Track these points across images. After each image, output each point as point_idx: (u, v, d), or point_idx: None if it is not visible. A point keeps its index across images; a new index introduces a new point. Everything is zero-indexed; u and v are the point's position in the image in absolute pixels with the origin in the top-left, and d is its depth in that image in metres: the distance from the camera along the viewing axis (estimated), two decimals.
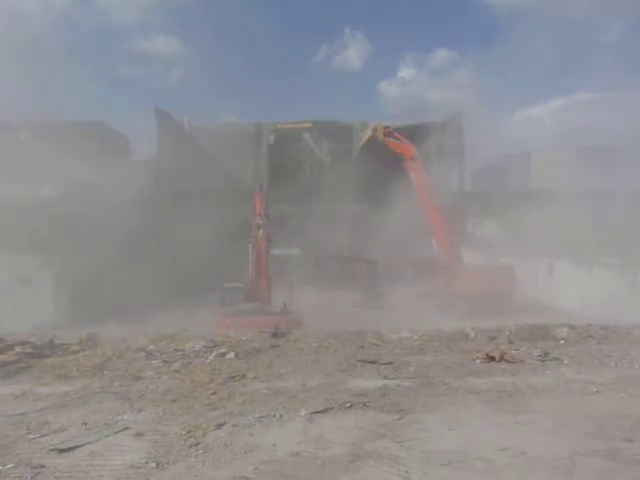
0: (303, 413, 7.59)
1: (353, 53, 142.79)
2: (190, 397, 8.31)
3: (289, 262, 32.85)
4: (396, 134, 28.56)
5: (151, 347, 11.11)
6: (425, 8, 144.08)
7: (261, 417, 7.43)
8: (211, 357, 10.54)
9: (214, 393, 8.44)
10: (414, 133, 32.28)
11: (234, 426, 7.07)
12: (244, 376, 9.30)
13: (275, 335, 11.98)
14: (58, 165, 26.91)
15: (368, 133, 31.95)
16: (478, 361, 10.17)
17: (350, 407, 7.81)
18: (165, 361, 10.22)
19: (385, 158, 30.00)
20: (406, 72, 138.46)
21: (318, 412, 7.61)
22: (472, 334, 12.05)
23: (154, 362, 10.17)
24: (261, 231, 22.06)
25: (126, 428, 6.99)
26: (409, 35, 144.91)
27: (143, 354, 10.64)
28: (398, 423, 7.17)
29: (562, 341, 11.81)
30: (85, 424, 7.18)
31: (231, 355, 10.58)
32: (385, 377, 9.27)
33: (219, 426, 7.04)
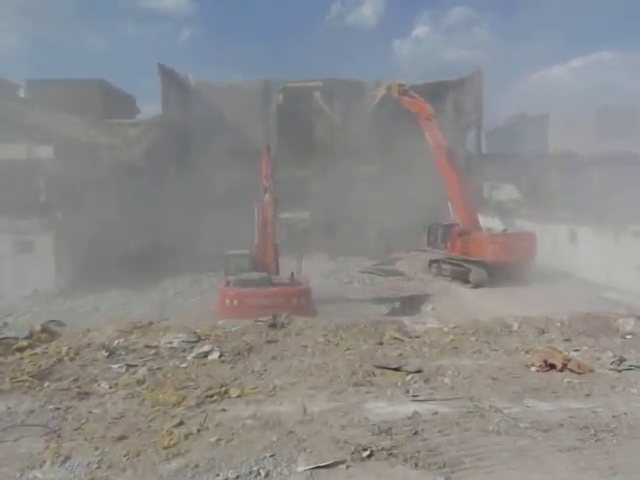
0: (301, 469, 4.83)
1: (367, 10, 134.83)
2: (145, 431, 5.56)
3: (298, 226, 30.01)
4: (411, 92, 25.22)
5: (117, 342, 8.33)
6: None
7: (238, 477, 4.68)
8: (189, 358, 7.77)
9: (180, 424, 5.69)
10: (430, 92, 28.88)
11: None
12: (226, 392, 6.52)
13: (273, 326, 9.18)
14: (56, 124, 23.92)
15: (382, 92, 28.44)
16: (533, 369, 7.32)
17: (369, 456, 5.03)
18: (129, 365, 7.44)
19: (400, 118, 26.70)
20: (421, 30, 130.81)
21: (322, 467, 4.85)
22: (515, 325, 9.16)
23: (115, 366, 7.39)
24: (267, 194, 19.06)
25: None
26: None
27: (104, 353, 7.88)
28: None
29: (629, 336, 8.90)
30: None
31: (215, 355, 7.80)
32: (415, 397, 6.43)
33: None
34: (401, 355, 7.88)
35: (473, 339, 8.68)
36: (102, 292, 20.70)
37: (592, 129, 39.63)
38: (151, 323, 9.19)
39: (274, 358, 7.76)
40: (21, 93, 30.37)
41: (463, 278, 22.79)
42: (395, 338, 8.58)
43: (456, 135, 31.04)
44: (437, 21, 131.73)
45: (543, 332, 9.04)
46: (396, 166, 30.08)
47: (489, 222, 26.56)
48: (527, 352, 8.06)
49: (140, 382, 6.80)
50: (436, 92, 31.09)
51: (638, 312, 10.34)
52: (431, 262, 25.38)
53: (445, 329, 9.03)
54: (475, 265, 22.42)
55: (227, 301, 15.67)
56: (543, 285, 21.93)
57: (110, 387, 6.68)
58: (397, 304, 19.71)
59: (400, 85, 25.68)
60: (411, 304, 19.68)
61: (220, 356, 7.78)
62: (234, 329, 8.92)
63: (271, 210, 18.92)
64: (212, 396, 6.34)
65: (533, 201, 30.03)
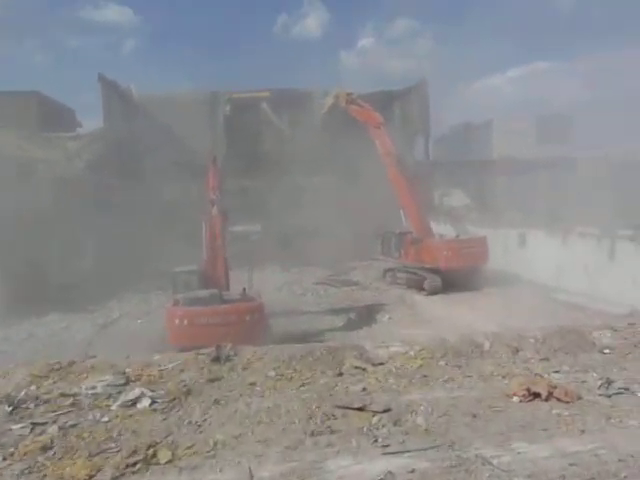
0: None
1: (312, 22, 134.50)
2: None
3: (250, 239, 28.55)
4: (359, 101, 24.33)
5: (26, 392, 6.67)
6: None
7: None
8: (114, 407, 6.25)
9: None
10: (377, 101, 28.10)
11: None
12: (154, 456, 5.07)
13: (217, 360, 7.60)
14: None
15: (330, 101, 27.45)
16: (515, 399, 6.20)
17: None
18: (35, 423, 5.81)
19: (349, 127, 25.79)
20: (366, 41, 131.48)
21: None
22: (487, 344, 8.01)
23: (17, 427, 5.77)
24: (215, 207, 17.57)
25: None
26: (368, 3, 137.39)
27: (7, 408, 6.23)
28: None
29: (607, 351, 7.96)
30: None
31: (145, 403, 6.27)
32: (385, 447, 5.16)
33: None
34: (365, 390, 6.57)
35: (443, 363, 7.48)
36: (40, 316, 18.67)
37: (532, 136, 40.05)
38: (73, 363, 7.53)
39: (216, 402, 6.29)
40: None
41: (418, 286, 21.98)
42: (356, 367, 7.31)
43: (404, 143, 30.36)
44: (381, 32, 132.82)
45: (517, 351, 7.94)
46: (347, 175, 29.17)
47: (441, 229, 25.89)
48: (504, 377, 6.93)
49: (45, 448, 5.22)
50: (383, 101, 30.43)
51: (611, 322, 9.46)
52: (385, 271, 24.46)
53: (411, 353, 7.78)
54: (429, 272, 21.65)
55: (176, 321, 14.14)
56: (496, 290, 21.34)
57: (4, 458, 5.09)
58: (353, 315, 18.61)
59: (348, 94, 24.75)
60: (367, 314, 18.64)
61: (152, 403, 6.25)
62: (171, 365, 7.40)
63: (219, 223, 17.44)
64: (135, 464, 4.86)
65: (482, 206, 29.69)
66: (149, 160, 27.37)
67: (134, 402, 6.30)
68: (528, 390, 6.18)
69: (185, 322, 14.09)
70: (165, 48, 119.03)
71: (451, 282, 21.02)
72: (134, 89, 32.09)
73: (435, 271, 21.42)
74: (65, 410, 6.17)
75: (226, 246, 16.73)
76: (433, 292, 21.14)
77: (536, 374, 6.91)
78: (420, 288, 21.72)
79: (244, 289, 16.69)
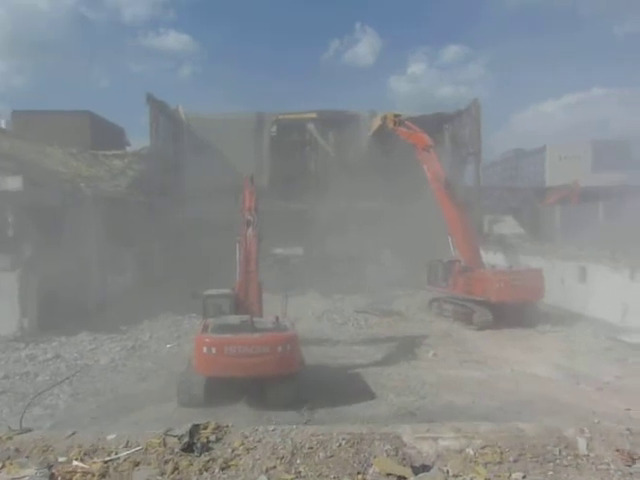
0: None
1: (364, 48, 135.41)
2: None
3: (291, 262, 27.51)
4: (407, 122, 23.05)
5: None
6: (436, 3, 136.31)
7: None
8: None
9: None
10: (427, 123, 26.71)
11: None
12: None
13: (189, 448, 5.53)
14: (32, 154, 21.60)
15: (377, 122, 26.41)
16: None
17: None
18: None
19: (396, 149, 24.57)
20: (417, 67, 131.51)
21: None
22: (582, 444, 5.74)
23: None
24: (250, 229, 16.55)
25: None
26: (420, 30, 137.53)
27: None
28: None
29: None
30: None
31: None
32: None
33: None
34: None
35: (519, 476, 5.22)
36: (70, 335, 18.03)
37: (588, 162, 37.72)
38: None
39: None
40: (1, 124, 28.22)
41: (466, 319, 20.26)
42: (389, 475, 5.10)
43: (454, 168, 28.86)
44: (432, 58, 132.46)
45: (632, 459, 5.47)
46: (393, 200, 27.78)
47: (491, 258, 24.11)
48: None
49: None
50: (432, 124, 29.07)
51: None
52: (431, 301, 22.79)
53: (470, 451, 5.65)
54: (479, 305, 19.93)
55: (204, 349, 13.00)
56: (553, 327, 19.39)
57: None
58: (394, 348, 17.06)
59: (396, 115, 23.56)
60: (409, 349, 17.05)
61: None
62: (124, 455, 5.49)
63: (254, 245, 16.36)
64: None
65: (535, 235, 27.63)
66: (193, 180, 26.91)
67: None
68: None
69: (213, 350, 12.96)
70: (219, 72, 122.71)
71: (502, 317, 19.30)
72: (182, 110, 32.06)
73: (485, 304, 19.68)
74: None
75: (259, 270, 15.57)
76: (483, 327, 19.39)
77: None
78: (468, 322, 20.02)
79: (277, 317, 15.46)
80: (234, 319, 14.87)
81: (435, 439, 5.83)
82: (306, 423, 10.48)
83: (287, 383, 12.20)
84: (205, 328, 14.68)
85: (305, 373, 12.78)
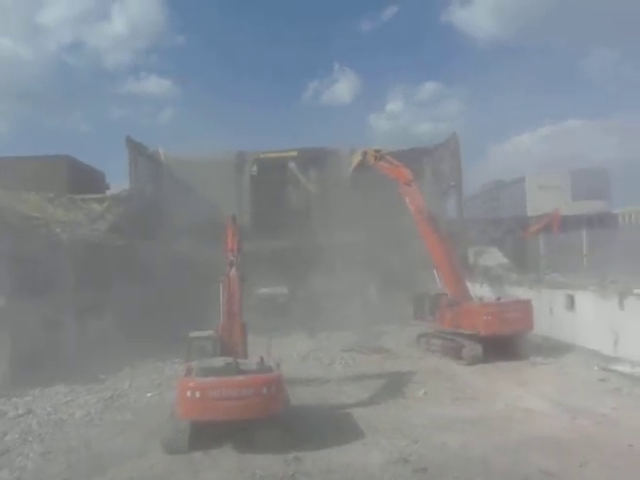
0: None
1: (342, 87, 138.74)
2: None
3: (277, 302, 26.94)
4: (388, 157, 23.03)
5: None
6: (412, 42, 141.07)
7: None
8: None
9: None
10: (407, 158, 26.82)
11: None
12: None
13: None
14: (5, 201, 21.06)
15: (357, 158, 26.24)
16: None
17: None
18: None
19: (377, 185, 24.52)
20: (395, 105, 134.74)
21: None
22: None
23: None
24: (233, 269, 16.12)
25: None
26: (396, 69, 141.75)
27: None
28: None
29: None
30: None
31: None
32: None
33: None
34: None
35: None
36: (45, 387, 17.11)
37: (567, 191, 38.23)
38: None
39: None
40: None
41: (455, 354, 19.73)
42: None
43: (435, 200, 28.87)
44: (408, 96, 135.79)
45: None
46: (376, 235, 27.57)
47: (478, 290, 23.80)
48: None
49: None
50: (412, 159, 29.10)
51: None
52: (419, 336, 22.27)
53: None
54: (467, 339, 19.43)
55: (188, 393, 12.35)
56: (544, 359, 18.97)
57: None
58: (383, 388, 16.44)
59: (376, 150, 23.48)
60: (399, 388, 16.44)
61: None
62: None
63: (237, 286, 15.89)
64: None
65: (520, 265, 27.50)
66: (173, 222, 26.49)
67: None
68: None
69: (197, 395, 12.34)
70: (200, 113, 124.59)
71: (492, 350, 18.83)
72: (162, 152, 31.86)
73: (474, 338, 19.19)
74: None
75: (243, 310, 15.08)
76: (473, 361, 18.88)
77: None
78: (458, 356, 19.50)
79: (262, 358, 14.88)
80: (218, 361, 14.27)
81: None
82: (293, 475, 9.85)
83: (273, 424, 11.68)
84: (189, 371, 14.04)
85: (292, 416, 12.25)
